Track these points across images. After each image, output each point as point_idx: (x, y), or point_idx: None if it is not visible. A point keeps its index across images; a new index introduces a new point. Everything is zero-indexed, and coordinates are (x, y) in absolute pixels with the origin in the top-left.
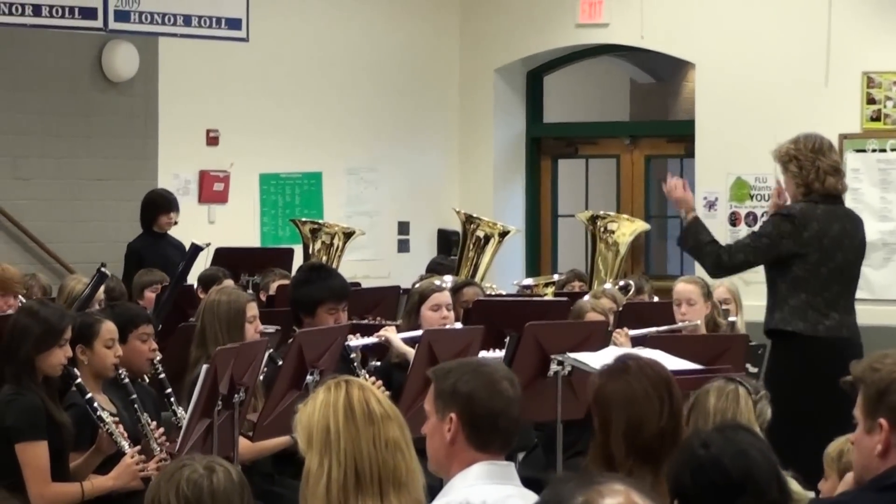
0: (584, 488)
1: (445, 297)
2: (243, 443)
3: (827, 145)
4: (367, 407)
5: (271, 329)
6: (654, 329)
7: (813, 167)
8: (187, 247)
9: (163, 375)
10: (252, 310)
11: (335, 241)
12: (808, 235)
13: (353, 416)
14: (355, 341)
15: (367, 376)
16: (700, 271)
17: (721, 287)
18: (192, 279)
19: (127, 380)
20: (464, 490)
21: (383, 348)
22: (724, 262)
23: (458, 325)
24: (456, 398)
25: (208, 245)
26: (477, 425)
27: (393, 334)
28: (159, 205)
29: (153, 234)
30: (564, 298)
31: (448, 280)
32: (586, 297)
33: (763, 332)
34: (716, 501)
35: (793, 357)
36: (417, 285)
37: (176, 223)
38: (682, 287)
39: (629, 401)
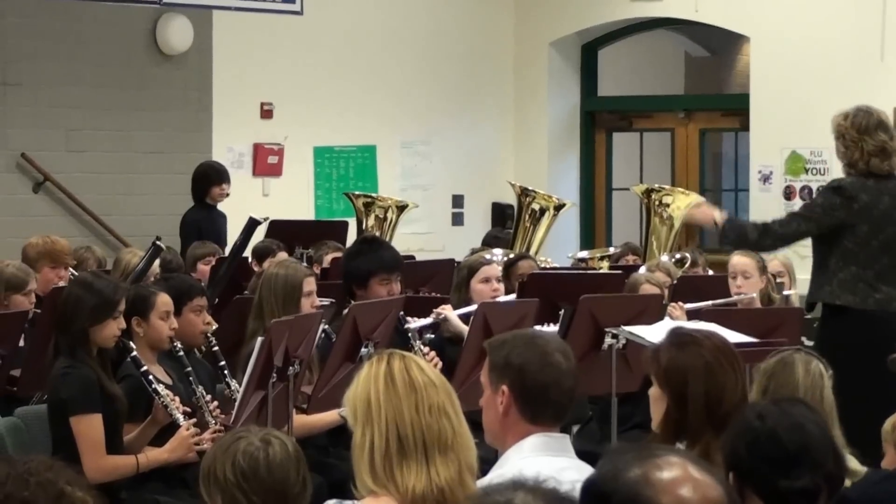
0: (642, 461)
1: (494, 269)
2: (294, 420)
3: (875, 124)
4: (407, 376)
5: (326, 302)
6: (709, 303)
7: (857, 148)
8: (230, 217)
9: (216, 348)
10: (309, 285)
11: (389, 215)
12: (859, 207)
13: (393, 385)
14: (414, 323)
15: (423, 347)
16: None
17: (775, 261)
18: (246, 252)
19: (182, 352)
20: (518, 462)
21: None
22: (775, 229)
23: (510, 297)
24: (508, 370)
25: (266, 219)
26: (528, 397)
27: (451, 312)
28: (211, 177)
29: (206, 207)
30: (619, 271)
31: (498, 253)
32: (642, 270)
33: (805, 303)
34: (771, 474)
35: (842, 331)
36: (465, 260)
37: (228, 195)
38: (737, 260)
39: (708, 371)
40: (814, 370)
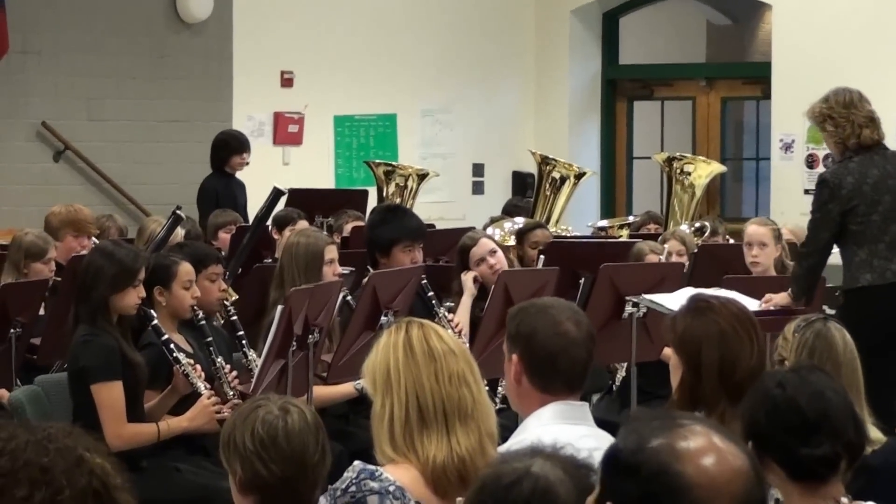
0: (665, 431)
1: (482, 247)
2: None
3: (857, 97)
4: (426, 344)
5: (346, 270)
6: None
7: (848, 122)
8: (250, 186)
9: (235, 317)
10: (331, 253)
11: (409, 183)
12: (847, 192)
13: (412, 354)
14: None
15: (447, 314)
16: (774, 214)
17: (784, 228)
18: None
19: (203, 322)
20: (537, 430)
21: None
22: (805, 253)
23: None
24: (518, 339)
25: (289, 190)
26: (535, 366)
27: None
28: (232, 146)
29: (224, 175)
30: (640, 240)
31: (520, 221)
32: (666, 238)
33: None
34: (791, 442)
35: (866, 308)
36: (457, 247)
37: (248, 164)
38: (754, 229)
39: (721, 339)
40: (849, 342)
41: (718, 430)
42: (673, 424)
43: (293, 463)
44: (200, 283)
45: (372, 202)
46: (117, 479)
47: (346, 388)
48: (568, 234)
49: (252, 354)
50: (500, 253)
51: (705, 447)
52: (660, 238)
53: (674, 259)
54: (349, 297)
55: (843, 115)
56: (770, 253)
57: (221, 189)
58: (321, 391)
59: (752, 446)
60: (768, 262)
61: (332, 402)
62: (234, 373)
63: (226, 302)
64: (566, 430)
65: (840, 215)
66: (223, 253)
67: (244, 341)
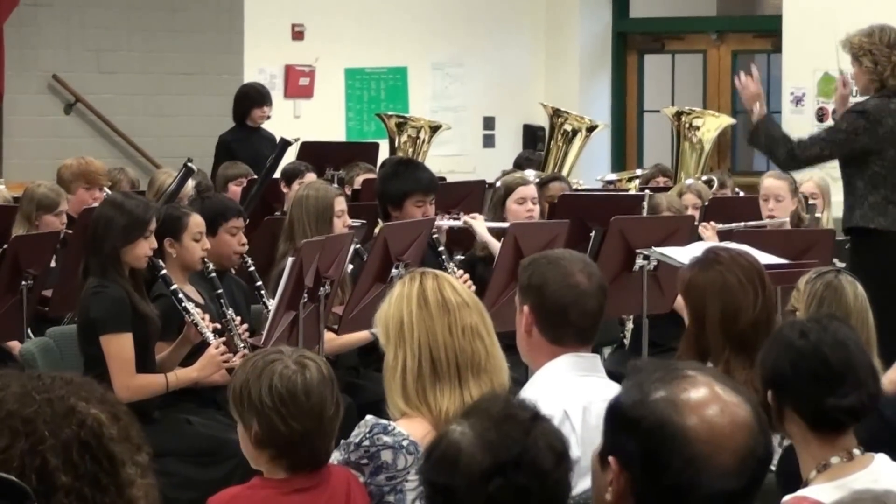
0: (667, 383)
1: (531, 190)
2: (325, 337)
3: None
4: (441, 296)
5: (357, 223)
6: (740, 224)
7: (889, 62)
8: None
9: (252, 268)
10: (340, 204)
11: (421, 135)
12: (884, 132)
13: (426, 306)
14: (440, 220)
15: (455, 268)
16: None
17: (810, 182)
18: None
19: (214, 273)
20: (549, 382)
21: (469, 240)
22: (797, 154)
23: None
24: (529, 291)
25: (297, 140)
26: (546, 318)
27: (478, 223)
28: (253, 98)
29: (245, 128)
30: (650, 192)
31: (531, 173)
32: (671, 192)
33: (843, 230)
34: (818, 392)
35: (875, 253)
36: (502, 179)
37: (269, 117)
38: (770, 183)
39: (723, 290)
40: (860, 293)
41: (722, 380)
42: (675, 376)
43: (312, 418)
44: (221, 236)
45: (383, 155)
46: (112, 430)
47: (361, 334)
48: (579, 188)
49: (272, 304)
50: (537, 206)
51: (707, 399)
52: (674, 190)
53: (689, 213)
54: (360, 248)
55: (884, 55)
56: (786, 206)
57: (239, 143)
58: (336, 337)
59: (773, 396)
60: (784, 216)
61: (347, 348)
62: (245, 325)
63: (244, 254)
64: (578, 382)
65: (864, 152)
66: None
67: (263, 292)
